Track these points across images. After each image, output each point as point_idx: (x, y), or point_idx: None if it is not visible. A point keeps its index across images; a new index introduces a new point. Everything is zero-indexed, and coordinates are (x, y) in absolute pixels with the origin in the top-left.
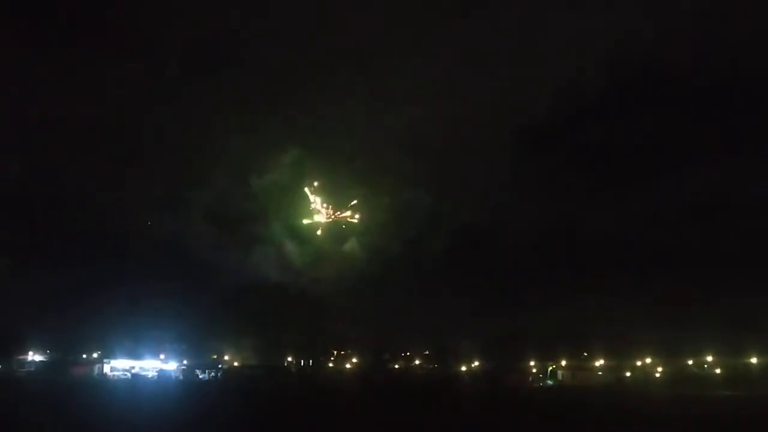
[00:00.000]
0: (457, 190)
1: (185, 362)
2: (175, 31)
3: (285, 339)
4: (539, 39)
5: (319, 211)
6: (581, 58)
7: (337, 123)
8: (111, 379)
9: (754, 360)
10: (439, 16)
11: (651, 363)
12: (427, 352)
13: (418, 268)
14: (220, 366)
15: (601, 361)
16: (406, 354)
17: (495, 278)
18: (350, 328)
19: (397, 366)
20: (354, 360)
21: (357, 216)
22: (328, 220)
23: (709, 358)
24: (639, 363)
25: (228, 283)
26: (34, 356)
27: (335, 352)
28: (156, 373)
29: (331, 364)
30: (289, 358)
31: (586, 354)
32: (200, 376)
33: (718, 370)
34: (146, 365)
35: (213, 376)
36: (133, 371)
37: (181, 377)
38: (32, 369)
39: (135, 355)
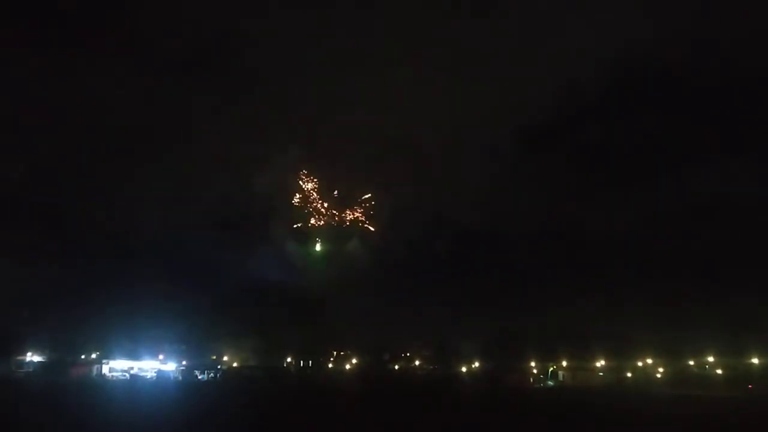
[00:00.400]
0: (458, 190)
1: (184, 363)
2: (175, 31)
3: (285, 339)
4: (539, 39)
5: (319, 212)
6: (581, 58)
7: (336, 123)
8: (109, 380)
9: (755, 360)
10: (440, 17)
11: (652, 363)
12: (427, 353)
13: (418, 268)
14: (219, 367)
15: (602, 362)
16: (406, 354)
17: (495, 278)
18: (350, 328)
19: (397, 366)
20: (354, 360)
21: (357, 216)
22: (328, 221)
23: (710, 359)
24: (640, 363)
25: (228, 284)
26: (32, 357)
27: (335, 352)
28: (155, 374)
29: (331, 365)
30: (289, 359)
31: (586, 354)
32: (199, 377)
33: (719, 371)
34: (145, 366)
35: (212, 377)
36: (131, 372)
37: (180, 378)
38: (31, 370)
39: (134, 355)
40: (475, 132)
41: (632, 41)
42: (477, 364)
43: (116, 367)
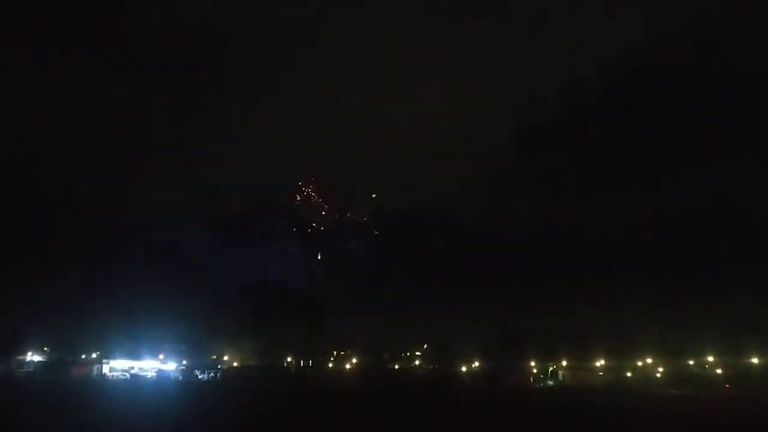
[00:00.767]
0: (458, 190)
1: (184, 363)
2: (174, 30)
3: (285, 339)
4: (539, 39)
5: (319, 211)
6: (581, 58)
7: (336, 122)
8: (109, 380)
9: (755, 360)
10: (440, 17)
11: (652, 363)
12: (427, 353)
13: (418, 268)
14: (219, 366)
15: (602, 362)
16: (406, 354)
17: (495, 278)
18: (350, 328)
19: (397, 366)
20: (354, 360)
21: (357, 216)
22: (328, 221)
23: (710, 358)
24: (640, 363)
25: (228, 283)
26: (33, 356)
27: (335, 352)
28: (155, 374)
29: (330, 365)
30: (289, 359)
31: (586, 354)
32: (199, 377)
33: (719, 370)
34: (145, 366)
35: (212, 377)
36: (131, 372)
37: (180, 378)
38: (31, 369)
39: (134, 355)
40: (475, 132)
41: (632, 41)
42: (477, 364)
43: (116, 367)
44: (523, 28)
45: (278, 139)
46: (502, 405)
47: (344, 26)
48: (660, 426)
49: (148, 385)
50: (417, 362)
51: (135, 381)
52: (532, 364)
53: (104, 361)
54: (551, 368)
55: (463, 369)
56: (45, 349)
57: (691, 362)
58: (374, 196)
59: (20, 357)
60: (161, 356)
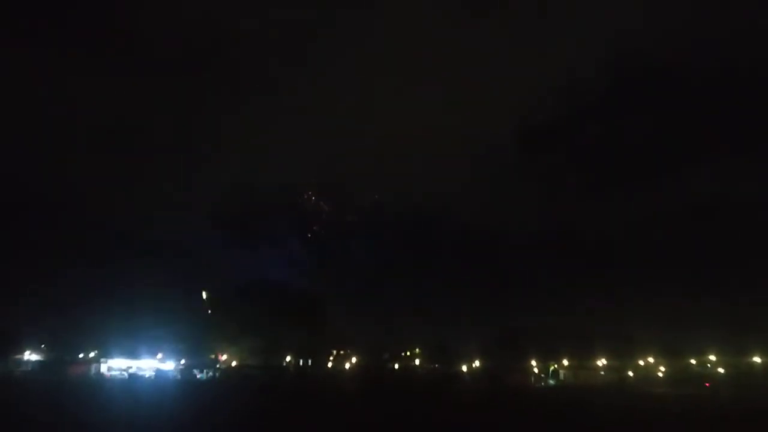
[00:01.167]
0: (458, 190)
1: (183, 362)
2: (174, 30)
3: (284, 339)
4: (539, 39)
5: (319, 212)
6: (581, 58)
7: (336, 122)
8: (107, 379)
9: (757, 359)
10: (440, 17)
11: (653, 362)
12: (427, 352)
13: (418, 268)
14: (218, 366)
15: (603, 361)
16: (406, 354)
17: (496, 277)
18: (350, 327)
19: (397, 366)
20: (354, 360)
21: (357, 216)
22: (328, 221)
23: (712, 357)
24: (641, 362)
25: (227, 283)
26: (30, 356)
27: (335, 352)
28: (153, 373)
29: (330, 364)
30: (288, 358)
31: (587, 354)
32: (198, 376)
33: (721, 370)
34: (143, 365)
35: (211, 376)
36: (130, 371)
37: (178, 377)
38: (29, 369)
39: (132, 354)
40: (475, 132)
41: (632, 41)
42: (478, 363)
43: (115, 366)
44: (523, 28)
45: (278, 139)
46: (502, 404)
47: (344, 26)
48: (661, 426)
49: (146, 385)
50: (417, 362)
51: (133, 380)
52: (533, 363)
53: (102, 360)
54: (552, 367)
55: (464, 368)
56: (43, 348)
57: (693, 361)
58: (375, 196)
59: (18, 356)
60: (160, 355)
